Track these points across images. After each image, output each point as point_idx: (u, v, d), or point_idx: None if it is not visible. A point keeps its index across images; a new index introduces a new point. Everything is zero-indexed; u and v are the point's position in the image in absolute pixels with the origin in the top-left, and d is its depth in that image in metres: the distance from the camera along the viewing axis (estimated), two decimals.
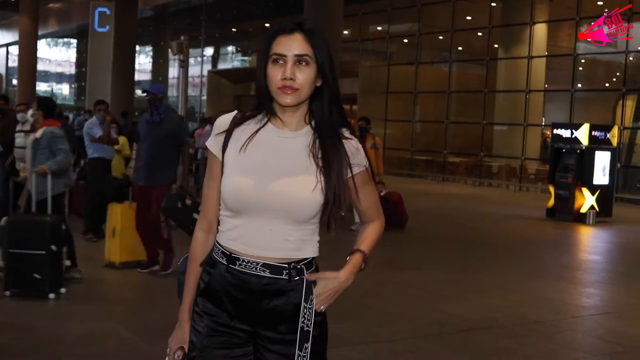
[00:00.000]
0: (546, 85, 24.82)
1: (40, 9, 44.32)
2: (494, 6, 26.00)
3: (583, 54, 23.68)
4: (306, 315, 2.25)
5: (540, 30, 24.64)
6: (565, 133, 15.80)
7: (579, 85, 23.53)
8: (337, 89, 2.32)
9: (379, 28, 30.61)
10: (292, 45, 2.21)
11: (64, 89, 61.71)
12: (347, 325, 6.04)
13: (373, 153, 11.24)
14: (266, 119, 2.32)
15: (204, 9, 37.80)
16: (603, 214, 15.13)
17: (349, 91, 28.85)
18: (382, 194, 11.13)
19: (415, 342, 5.98)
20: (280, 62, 2.21)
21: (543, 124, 24.63)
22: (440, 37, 27.95)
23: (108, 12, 27.50)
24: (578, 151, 15.22)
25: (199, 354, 2.30)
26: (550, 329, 6.62)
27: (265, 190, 2.23)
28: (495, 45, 26.13)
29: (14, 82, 53.16)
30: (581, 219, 14.82)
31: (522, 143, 24.41)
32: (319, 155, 2.26)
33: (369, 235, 2.44)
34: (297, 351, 2.25)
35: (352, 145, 2.33)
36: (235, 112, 2.38)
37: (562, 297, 8.10)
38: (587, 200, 14.94)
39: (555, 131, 16.24)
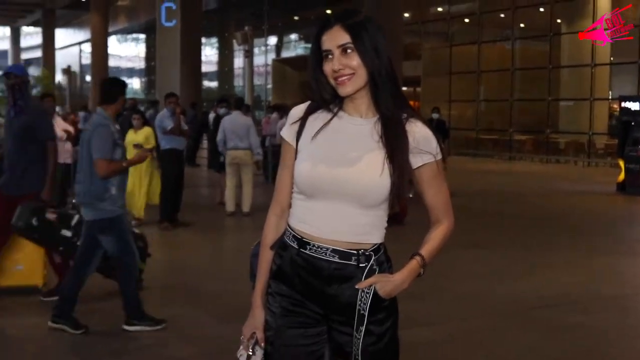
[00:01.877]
0: (612, 58, 24.16)
1: (109, 7, 45.25)
2: None
3: None
4: (362, 299, 2.28)
5: (604, 2, 23.99)
6: (633, 106, 15.36)
7: None
8: (388, 73, 2.29)
9: (440, 9, 30.26)
10: (333, 38, 2.26)
11: (134, 83, 62.83)
12: (420, 306, 6.01)
13: None
14: (337, 108, 2.36)
15: None
16: None
17: (412, 73, 28.63)
18: None
19: (488, 321, 5.92)
20: (330, 56, 2.27)
21: (610, 97, 24.02)
22: (502, 15, 27.52)
23: (174, 7, 27.88)
24: None
25: (275, 333, 2.35)
26: (626, 304, 6.48)
27: (336, 175, 2.26)
28: (558, 20, 25.58)
29: (88, 78, 54.43)
30: None
31: (589, 118, 23.89)
32: (384, 141, 2.28)
33: (433, 239, 2.39)
34: (354, 332, 2.29)
35: (416, 131, 2.31)
36: (309, 102, 2.41)
37: (638, 271, 7.91)
38: None
39: (623, 104, 15.82)
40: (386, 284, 2.29)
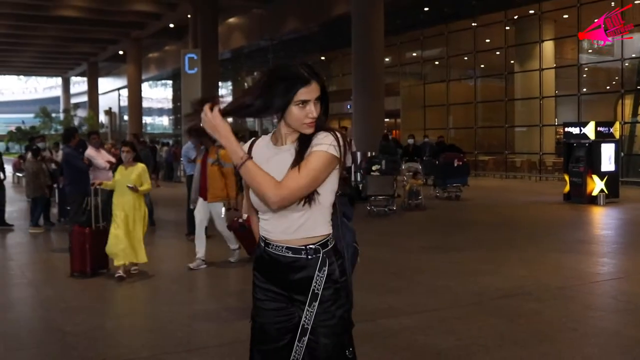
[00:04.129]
0: (556, 92, 24.31)
1: (142, 58, 45.51)
2: (507, 29, 25.62)
3: (586, 64, 23.18)
4: (317, 281, 2.40)
5: (548, 47, 24.22)
6: (575, 130, 15.47)
7: (584, 89, 22.99)
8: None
9: (414, 54, 30.42)
10: (313, 92, 2.35)
11: (164, 121, 63.08)
12: (402, 298, 6.04)
13: (216, 170, 7.86)
14: (269, 140, 2.50)
15: (270, 49, 38.18)
16: (611, 195, 14.77)
17: (393, 107, 28.76)
18: (243, 219, 7.53)
19: (458, 310, 5.95)
20: (303, 105, 2.34)
21: (556, 124, 24.13)
22: (465, 58, 27.68)
23: (195, 57, 28.01)
24: (587, 145, 14.87)
25: (256, 313, 2.54)
26: (571, 293, 6.52)
27: None
28: (512, 62, 25.74)
29: (125, 117, 54.59)
30: (593, 201, 14.50)
31: (539, 141, 24.02)
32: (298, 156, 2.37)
33: (263, 172, 2.29)
34: (306, 307, 2.41)
35: (319, 135, 2.36)
36: (253, 139, 2.57)
37: (580, 266, 7.95)
38: (597, 185, 14.60)
39: (566, 129, 15.91)
40: (215, 117, 2.27)
